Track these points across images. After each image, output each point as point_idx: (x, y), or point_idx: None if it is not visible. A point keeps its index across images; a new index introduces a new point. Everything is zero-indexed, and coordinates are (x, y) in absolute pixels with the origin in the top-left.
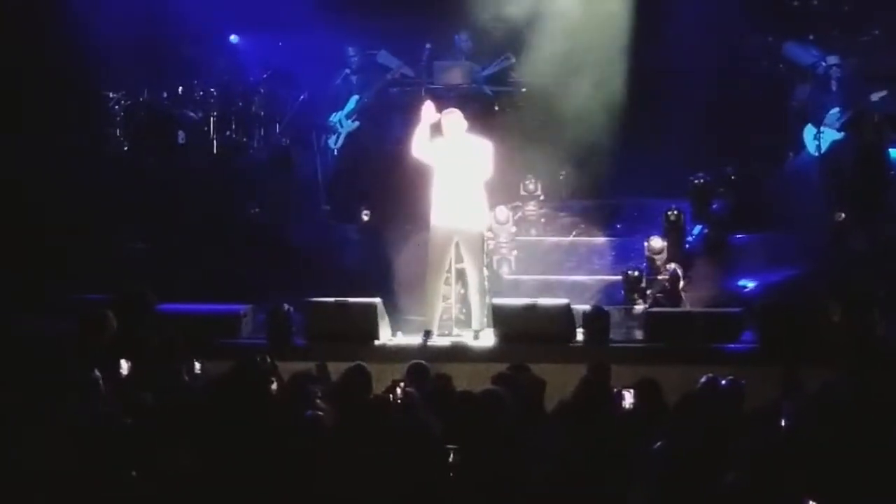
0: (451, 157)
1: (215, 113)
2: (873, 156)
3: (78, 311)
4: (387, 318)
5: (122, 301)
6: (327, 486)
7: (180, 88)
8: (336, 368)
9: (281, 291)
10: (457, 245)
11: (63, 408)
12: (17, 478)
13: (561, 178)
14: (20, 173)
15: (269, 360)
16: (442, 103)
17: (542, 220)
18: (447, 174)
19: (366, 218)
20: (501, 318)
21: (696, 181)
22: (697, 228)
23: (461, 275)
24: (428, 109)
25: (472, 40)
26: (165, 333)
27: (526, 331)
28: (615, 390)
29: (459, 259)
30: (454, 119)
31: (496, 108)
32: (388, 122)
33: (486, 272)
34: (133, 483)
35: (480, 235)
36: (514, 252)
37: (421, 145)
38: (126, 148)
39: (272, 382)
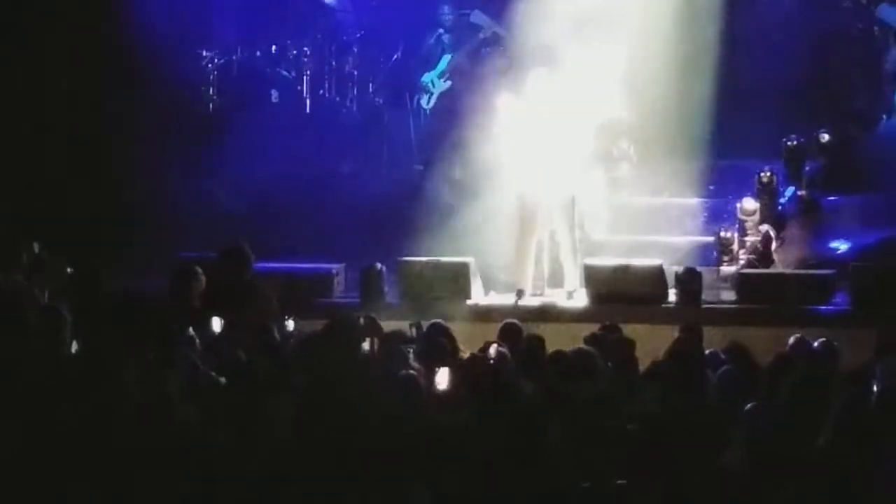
0: (540, 115)
1: (308, 72)
2: None
3: (171, 268)
4: (479, 278)
5: (219, 259)
6: (415, 446)
7: (274, 47)
8: None
9: (373, 250)
10: (548, 206)
11: (169, 365)
12: (135, 437)
13: (653, 139)
14: (114, 131)
15: (370, 319)
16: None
17: (635, 180)
18: (536, 134)
19: (458, 177)
20: (594, 278)
21: (790, 143)
22: (790, 190)
23: (553, 235)
24: None
25: None
26: (259, 291)
27: (618, 292)
28: (708, 352)
29: (551, 220)
30: (542, 76)
31: None
32: (480, 82)
33: (577, 233)
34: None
35: (571, 196)
36: (607, 213)
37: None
38: (219, 106)
39: (364, 341)
